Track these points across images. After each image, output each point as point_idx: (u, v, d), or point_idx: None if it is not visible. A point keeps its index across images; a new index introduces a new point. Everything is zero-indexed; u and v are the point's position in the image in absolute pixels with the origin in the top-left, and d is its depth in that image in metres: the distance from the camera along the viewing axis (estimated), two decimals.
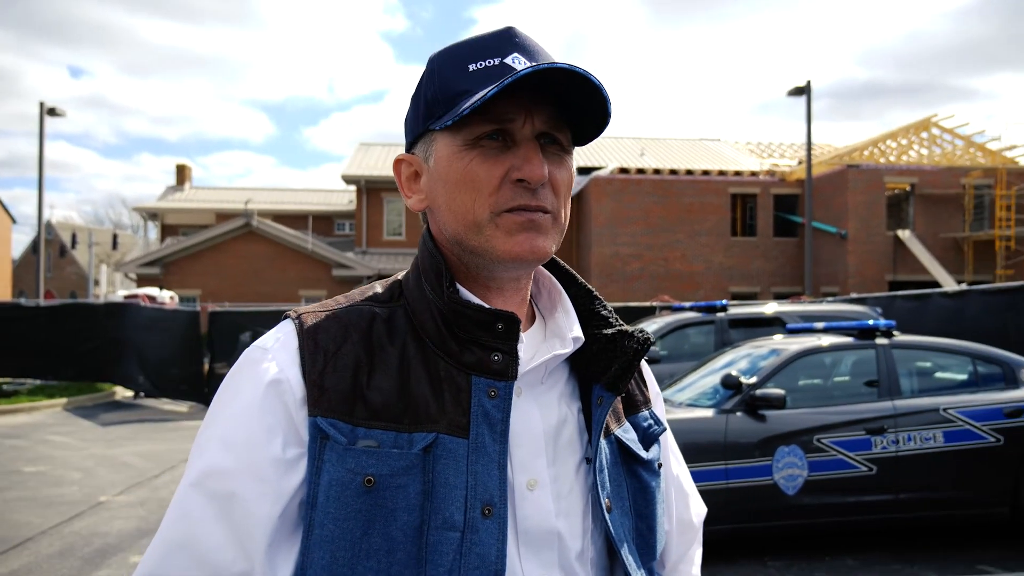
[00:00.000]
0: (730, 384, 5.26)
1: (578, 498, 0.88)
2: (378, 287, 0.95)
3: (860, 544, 5.38)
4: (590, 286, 0.99)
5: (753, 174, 26.36)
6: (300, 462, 0.81)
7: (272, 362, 0.84)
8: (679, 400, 5.64)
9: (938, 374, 5.89)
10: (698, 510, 1.10)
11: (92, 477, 7.78)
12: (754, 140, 32.65)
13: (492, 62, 0.84)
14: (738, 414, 5.15)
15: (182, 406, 14.02)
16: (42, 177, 19.62)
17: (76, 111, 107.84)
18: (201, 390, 13.88)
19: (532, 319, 0.96)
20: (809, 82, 18.78)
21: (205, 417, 0.87)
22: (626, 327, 0.94)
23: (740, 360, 5.96)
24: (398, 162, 0.94)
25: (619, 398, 0.96)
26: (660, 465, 0.99)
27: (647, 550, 0.94)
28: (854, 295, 14.28)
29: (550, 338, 0.93)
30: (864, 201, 23.38)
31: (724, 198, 25.25)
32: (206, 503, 0.80)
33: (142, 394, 15.09)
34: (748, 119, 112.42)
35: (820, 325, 6.37)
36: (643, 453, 0.96)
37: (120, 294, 21.50)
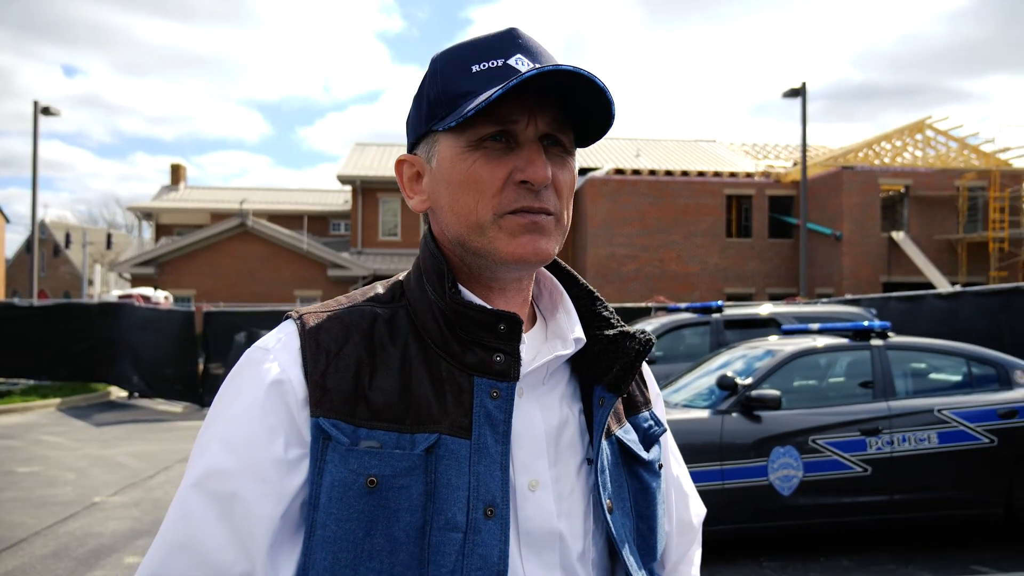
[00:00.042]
0: (726, 385, 5.28)
1: (579, 499, 0.88)
2: (379, 288, 0.95)
3: (855, 545, 5.39)
4: (591, 287, 0.99)
5: (748, 175, 26.42)
6: (302, 463, 0.81)
7: (274, 363, 0.84)
8: (675, 401, 5.65)
9: (932, 375, 5.91)
10: (698, 511, 1.10)
11: (86, 478, 7.75)
12: (749, 141, 32.70)
13: (495, 63, 0.84)
14: (734, 415, 5.16)
15: (176, 406, 13.98)
16: (36, 176, 19.56)
17: (70, 110, 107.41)
18: (196, 390, 13.85)
19: (533, 320, 0.96)
20: (804, 84, 18.85)
21: (206, 418, 0.86)
22: (628, 328, 0.95)
23: (736, 361, 5.97)
24: (400, 163, 0.94)
25: (620, 399, 0.96)
26: (661, 466, 0.99)
27: (648, 551, 0.94)
28: (849, 296, 14.31)
29: (551, 339, 0.93)
30: (859, 203, 23.44)
31: (719, 199, 25.29)
32: (207, 504, 0.80)
33: (136, 394, 15.04)
34: (743, 120, 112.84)
35: (815, 326, 6.39)
36: (644, 454, 0.96)
37: (114, 294, 21.42)
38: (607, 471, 0.90)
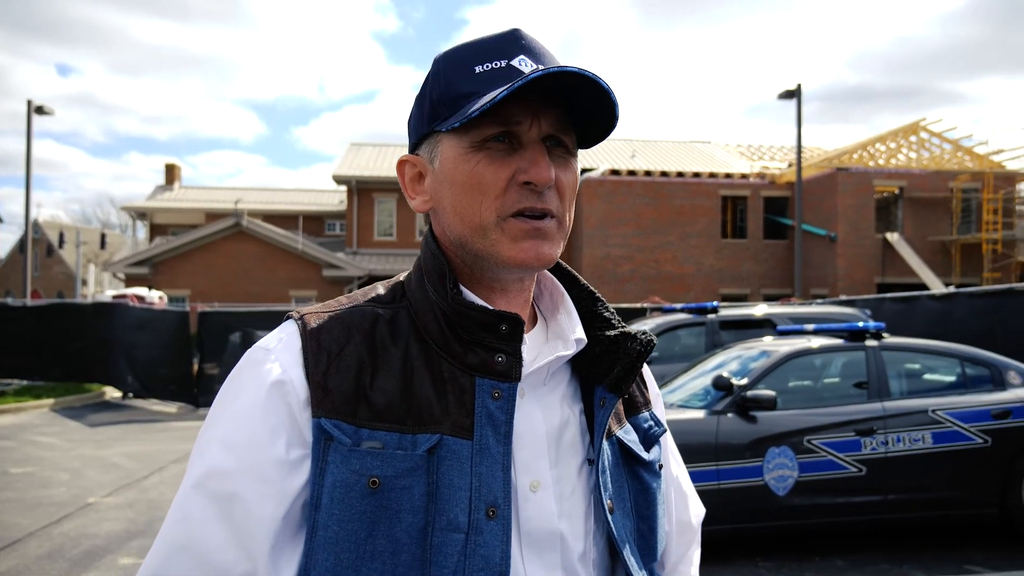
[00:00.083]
0: (721, 385, 5.29)
1: (580, 499, 0.88)
2: (380, 288, 0.95)
3: (850, 544, 5.41)
4: (592, 288, 0.99)
5: (743, 176, 26.48)
6: (303, 463, 0.81)
7: (275, 363, 0.84)
8: (670, 401, 5.66)
9: (927, 376, 5.93)
10: (697, 511, 1.11)
11: (80, 478, 7.72)
12: (744, 143, 32.78)
13: (498, 64, 0.84)
14: (729, 415, 5.17)
15: (171, 407, 13.94)
16: (29, 175, 19.48)
17: (64, 110, 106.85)
18: (190, 391, 13.81)
19: (534, 321, 0.96)
20: (799, 85, 18.90)
21: (206, 418, 0.86)
22: (629, 329, 0.95)
23: (731, 361, 5.98)
24: (402, 163, 0.94)
25: (620, 400, 0.96)
26: (661, 466, 0.99)
27: (648, 551, 0.94)
28: (843, 297, 14.36)
29: (552, 340, 0.93)
30: (853, 204, 23.52)
31: (715, 200, 25.35)
32: (207, 504, 0.79)
33: (131, 395, 15.00)
34: (739, 121, 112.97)
35: (810, 327, 6.40)
36: (644, 454, 0.96)
37: (108, 294, 21.37)
38: (608, 471, 0.90)
